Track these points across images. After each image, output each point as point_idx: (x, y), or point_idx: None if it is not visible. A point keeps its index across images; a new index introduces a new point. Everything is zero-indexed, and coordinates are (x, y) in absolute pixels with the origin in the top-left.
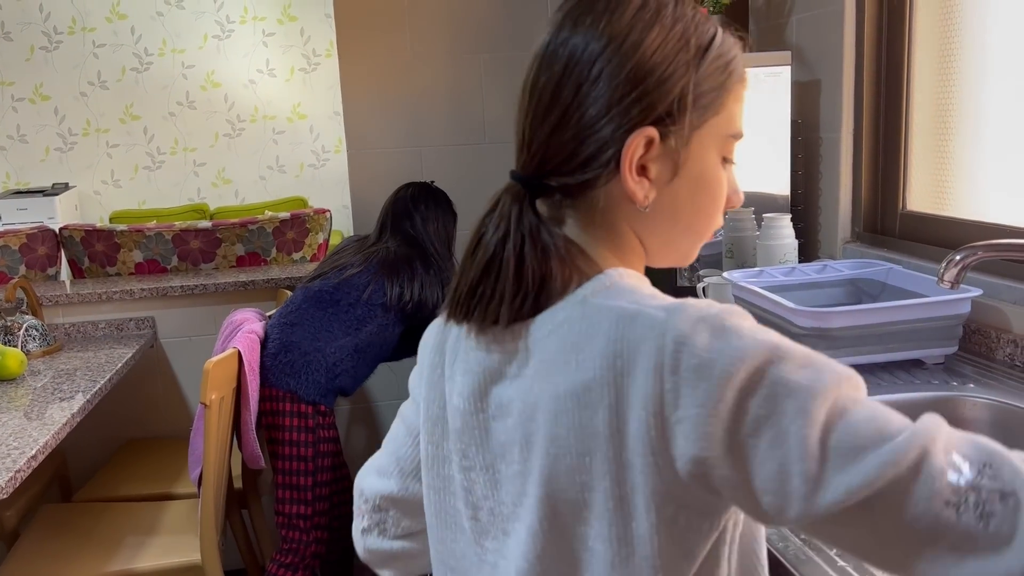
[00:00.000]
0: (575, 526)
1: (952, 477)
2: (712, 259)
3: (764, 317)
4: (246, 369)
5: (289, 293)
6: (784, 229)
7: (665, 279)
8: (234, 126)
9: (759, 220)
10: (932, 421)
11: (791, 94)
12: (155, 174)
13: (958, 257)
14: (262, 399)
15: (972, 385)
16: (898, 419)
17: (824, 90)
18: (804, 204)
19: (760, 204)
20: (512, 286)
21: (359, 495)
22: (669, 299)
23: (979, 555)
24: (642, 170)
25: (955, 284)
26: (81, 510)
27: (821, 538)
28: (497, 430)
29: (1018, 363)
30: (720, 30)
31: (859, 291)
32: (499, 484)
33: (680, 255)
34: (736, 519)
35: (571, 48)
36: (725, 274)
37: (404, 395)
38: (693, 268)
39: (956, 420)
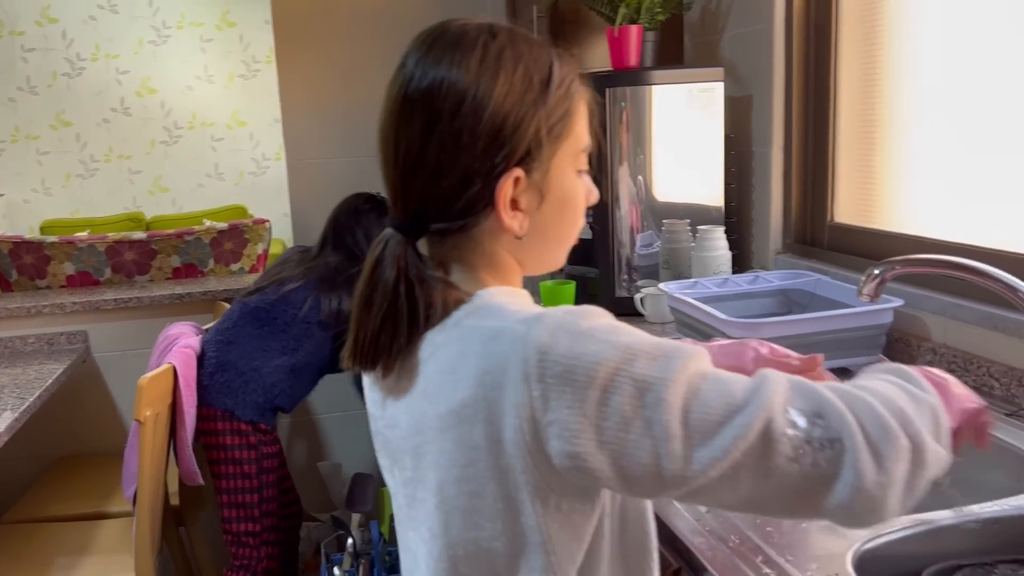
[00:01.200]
0: (469, 531)
1: (792, 434)
2: (649, 270)
3: (698, 327)
4: (181, 385)
5: (227, 306)
6: (718, 241)
7: (604, 290)
8: (171, 133)
9: (694, 232)
10: (771, 383)
11: (724, 109)
12: (88, 182)
13: (876, 271)
14: (200, 418)
15: None
16: (740, 387)
17: (755, 105)
18: (737, 216)
19: (695, 216)
20: (406, 334)
21: None
22: (531, 311)
23: (816, 493)
24: (513, 204)
25: (874, 297)
26: (9, 532)
27: (695, 503)
28: (391, 438)
29: None
30: (555, 56)
31: (789, 301)
32: (399, 485)
33: (553, 262)
34: (613, 493)
35: (426, 103)
36: (661, 285)
37: (345, 407)
38: (631, 279)
39: None
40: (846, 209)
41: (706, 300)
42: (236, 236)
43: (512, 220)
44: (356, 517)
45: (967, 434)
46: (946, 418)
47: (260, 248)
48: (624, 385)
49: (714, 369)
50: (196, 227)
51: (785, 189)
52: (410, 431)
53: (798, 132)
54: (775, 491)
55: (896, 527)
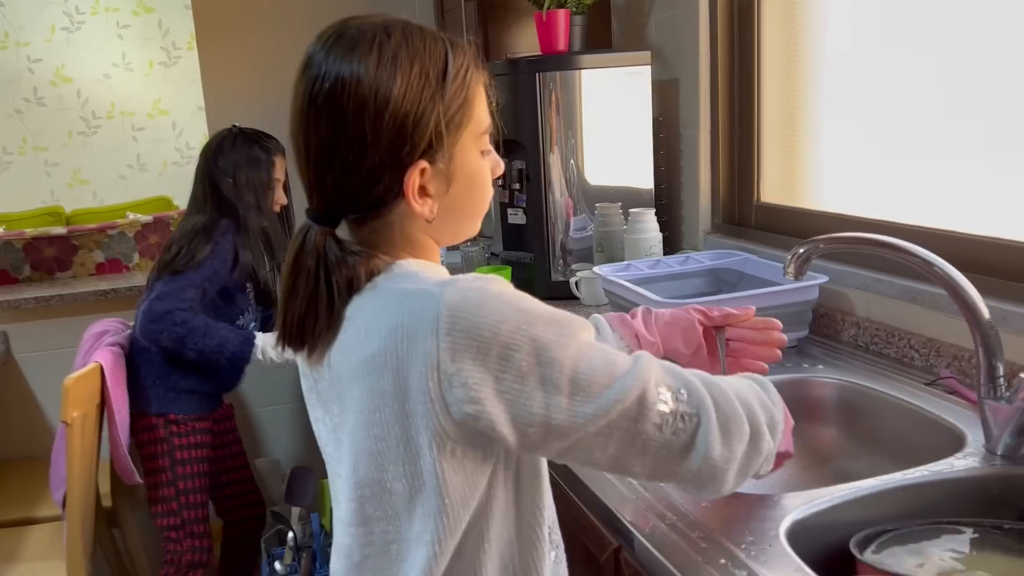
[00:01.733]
0: (376, 472)
1: (660, 407)
2: (583, 253)
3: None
4: (110, 383)
5: None
6: (649, 223)
7: (539, 275)
8: (89, 123)
9: (626, 215)
10: (646, 362)
11: (651, 92)
12: (1, 176)
13: (801, 251)
14: None
15: (821, 366)
16: (623, 360)
17: (682, 88)
18: (667, 198)
19: (626, 199)
20: (327, 315)
21: None
22: (445, 277)
23: (673, 459)
24: (422, 191)
25: (799, 276)
26: None
27: (571, 461)
28: (321, 390)
29: (861, 343)
30: (449, 46)
31: (719, 280)
32: (330, 432)
33: (467, 233)
34: (508, 451)
35: (330, 105)
36: (595, 268)
37: (279, 401)
38: (566, 262)
39: (808, 399)
40: (771, 189)
41: (639, 282)
42: (161, 229)
43: (422, 207)
44: (296, 511)
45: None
46: (781, 428)
47: None
48: (523, 344)
49: (599, 343)
50: (119, 220)
51: (713, 171)
52: (332, 382)
53: (724, 114)
54: (639, 453)
55: (825, 496)
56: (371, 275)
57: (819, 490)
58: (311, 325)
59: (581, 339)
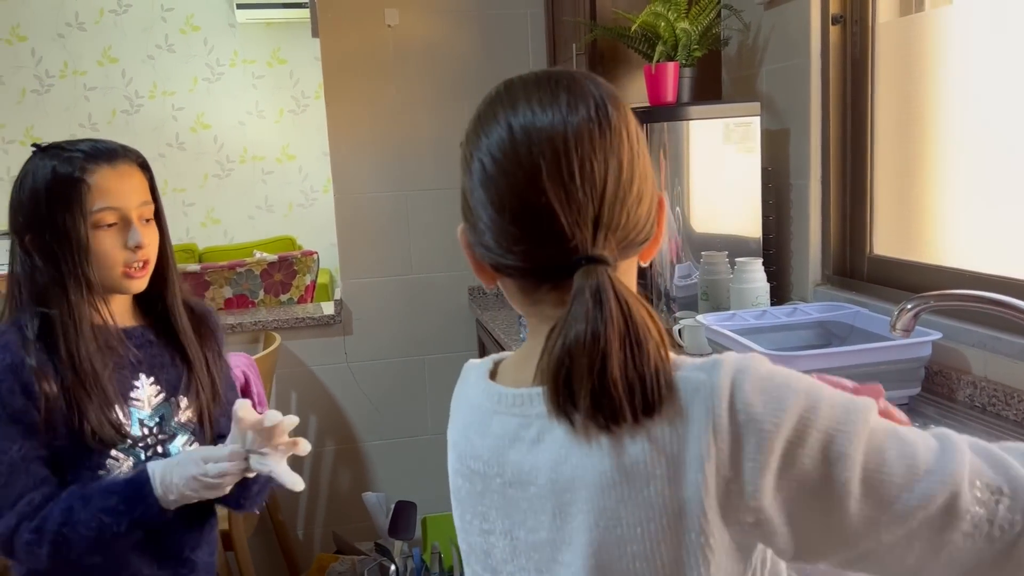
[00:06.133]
0: None
1: (976, 511)
2: (688, 301)
3: None
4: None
5: (276, 336)
6: (756, 273)
7: None
8: (223, 167)
9: (732, 264)
10: (955, 450)
11: (761, 142)
12: None
13: (909, 306)
14: None
15: (933, 426)
16: (924, 450)
17: (793, 138)
18: (776, 248)
19: (733, 248)
20: (655, 387)
21: None
22: (702, 358)
23: (984, 567)
24: None
25: (907, 332)
26: None
27: (856, 569)
28: (518, 497)
29: (977, 404)
30: None
31: (828, 333)
32: (525, 549)
33: None
34: (764, 556)
35: (622, 124)
36: (699, 317)
37: (387, 435)
38: (670, 310)
39: None
40: (885, 241)
41: (744, 332)
42: (285, 268)
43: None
44: (399, 545)
45: None
46: None
47: (308, 279)
48: (810, 435)
49: (892, 424)
50: (247, 259)
51: (823, 221)
52: (553, 488)
53: (836, 164)
54: (944, 565)
55: None
56: None
57: None
58: (628, 400)
59: (872, 424)
